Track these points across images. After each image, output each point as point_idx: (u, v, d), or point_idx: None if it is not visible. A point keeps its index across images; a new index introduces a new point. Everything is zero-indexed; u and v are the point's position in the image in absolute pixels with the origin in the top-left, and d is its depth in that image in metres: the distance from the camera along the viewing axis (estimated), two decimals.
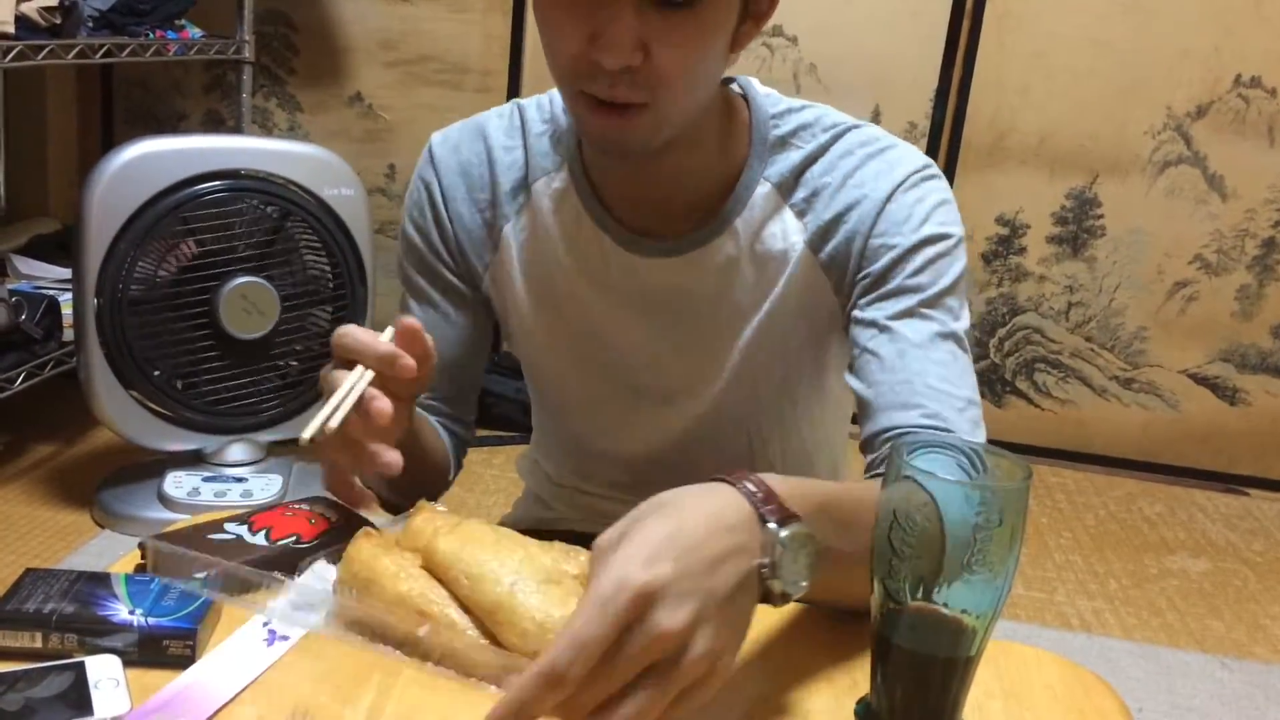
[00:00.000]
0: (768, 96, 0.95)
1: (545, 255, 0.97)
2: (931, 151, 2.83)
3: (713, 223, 0.93)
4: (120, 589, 0.69)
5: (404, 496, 0.93)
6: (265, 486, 2.14)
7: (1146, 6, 2.70)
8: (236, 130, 2.65)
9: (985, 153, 2.84)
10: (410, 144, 2.97)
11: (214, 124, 3.07)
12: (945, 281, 0.89)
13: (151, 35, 2.34)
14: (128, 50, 2.24)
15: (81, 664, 0.64)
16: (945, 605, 0.65)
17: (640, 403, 1.00)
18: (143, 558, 0.77)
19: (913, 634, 0.66)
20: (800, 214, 0.92)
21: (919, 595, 0.65)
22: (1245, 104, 2.75)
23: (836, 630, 0.80)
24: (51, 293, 2.30)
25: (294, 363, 2.15)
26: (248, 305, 2.03)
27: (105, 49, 2.16)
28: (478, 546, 0.71)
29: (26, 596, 0.68)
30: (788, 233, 0.93)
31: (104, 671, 0.64)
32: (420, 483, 0.95)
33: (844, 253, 0.91)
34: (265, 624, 0.69)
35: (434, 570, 0.71)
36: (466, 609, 0.69)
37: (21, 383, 2.12)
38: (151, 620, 0.66)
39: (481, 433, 2.73)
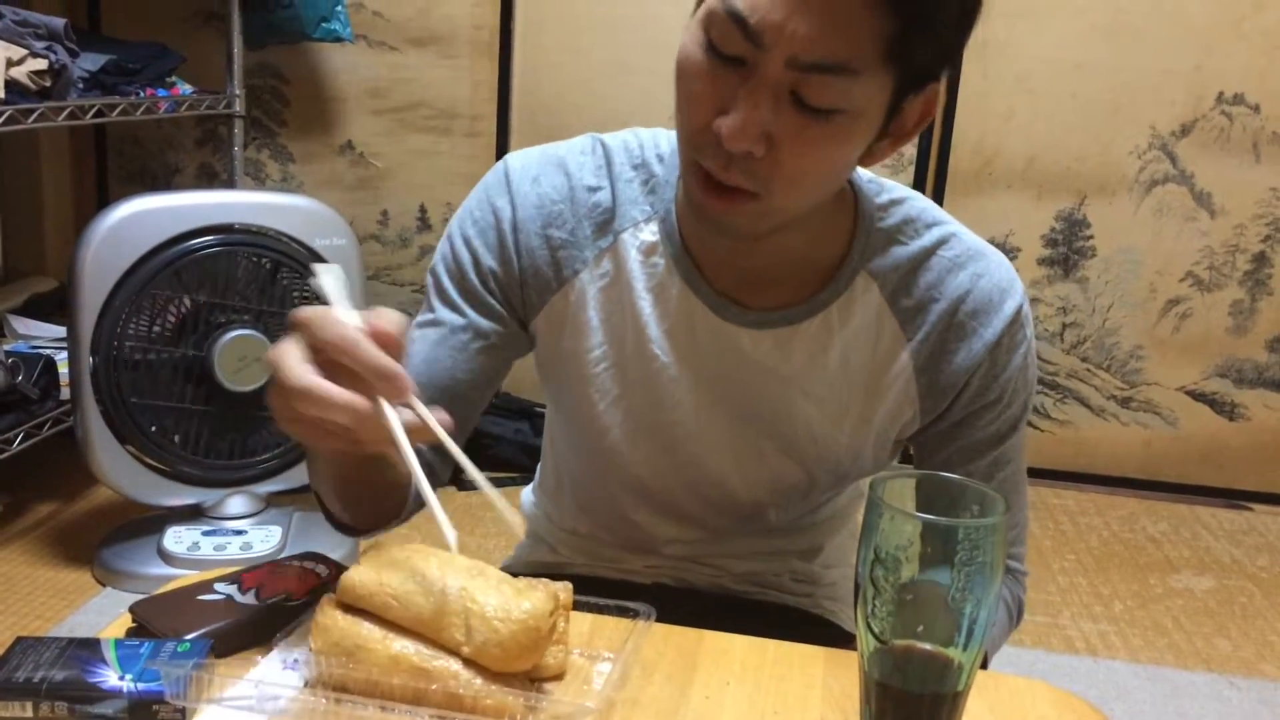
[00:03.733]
0: (870, 182, 0.94)
1: (623, 306, 0.94)
2: (919, 178, 2.85)
3: (807, 304, 0.91)
4: (110, 654, 0.69)
5: (355, 518, 0.92)
6: (265, 538, 2.14)
7: (1127, 28, 2.73)
8: (230, 183, 2.68)
9: (972, 178, 2.86)
10: (401, 190, 3.00)
11: (207, 177, 3.10)
12: (1023, 430, 0.97)
13: (142, 94, 2.37)
14: (118, 110, 2.26)
15: None
16: (930, 641, 0.65)
17: (678, 469, 0.99)
18: (134, 622, 0.78)
19: (899, 672, 0.66)
20: (904, 324, 0.92)
21: (903, 632, 0.65)
22: (1229, 121, 2.77)
23: (829, 668, 0.80)
24: (48, 352, 2.31)
25: None
26: (242, 358, 2.04)
27: (96, 109, 2.19)
28: (392, 568, 0.71)
29: (17, 665, 0.68)
30: (887, 337, 0.92)
31: None
32: (376, 513, 0.92)
33: (947, 385, 0.92)
34: (256, 684, 0.70)
35: (356, 603, 0.70)
36: (458, 656, 0.69)
37: (20, 443, 2.12)
38: (141, 686, 0.66)
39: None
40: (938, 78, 0.81)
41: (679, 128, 0.83)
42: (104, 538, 2.26)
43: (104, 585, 2.15)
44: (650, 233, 0.93)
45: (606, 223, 0.94)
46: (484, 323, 0.96)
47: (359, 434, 0.68)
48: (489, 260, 0.95)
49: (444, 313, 0.96)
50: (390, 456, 0.78)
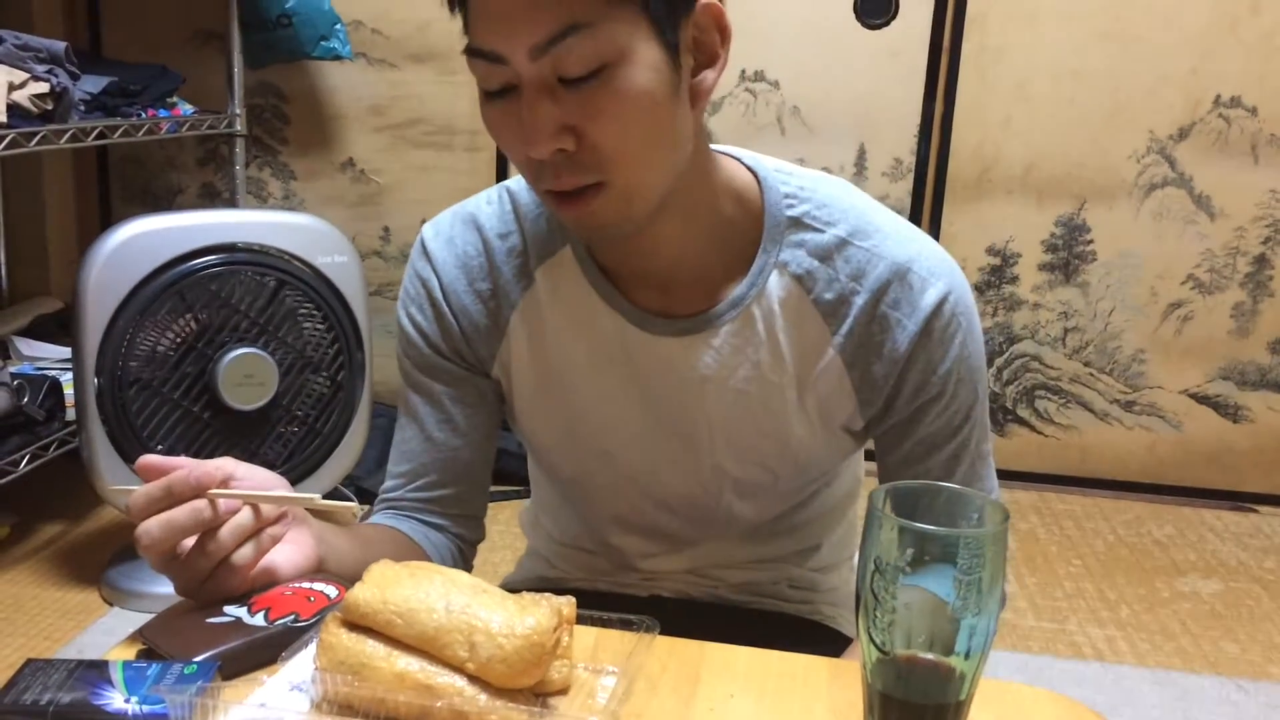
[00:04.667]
0: (777, 172, 0.92)
1: (553, 337, 0.95)
2: (918, 187, 2.86)
3: (726, 304, 0.91)
4: (117, 676, 0.70)
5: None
6: None
7: (1123, 33, 2.74)
8: (232, 202, 2.69)
9: (972, 185, 2.87)
10: (403, 205, 3.01)
11: (210, 196, 3.11)
12: (981, 417, 0.94)
13: (143, 115, 2.38)
14: (120, 131, 2.27)
15: None
16: (932, 651, 0.65)
17: (640, 491, 1.00)
18: (142, 644, 0.78)
19: (901, 682, 0.66)
20: (827, 318, 0.91)
21: (905, 643, 0.65)
22: (1227, 124, 2.77)
23: (832, 679, 0.81)
24: (53, 373, 2.32)
25: (294, 429, 2.17)
26: (246, 376, 2.05)
27: (98, 131, 2.20)
28: (396, 586, 0.71)
29: (25, 688, 0.69)
30: (811, 331, 0.91)
31: None
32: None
33: (880, 379, 0.91)
34: (260, 706, 0.70)
35: (360, 621, 0.71)
36: (462, 672, 0.70)
37: (26, 465, 2.13)
38: (146, 708, 0.67)
39: None
40: None
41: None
42: (111, 558, 2.26)
43: (111, 605, 2.15)
44: (566, 262, 0.94)
45: (523, 265, 0.95)
46: (454, 390, 0.99)
47: (218, 548, 0.78)
48: (433, 330, 0.98)
49: (416, 396, 1.00)
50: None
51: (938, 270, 0.90)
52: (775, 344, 0.92)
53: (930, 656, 0.65)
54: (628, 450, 0.98)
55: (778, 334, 0.91)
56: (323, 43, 2.74)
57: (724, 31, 0.83)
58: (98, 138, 2.21)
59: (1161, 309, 2.89)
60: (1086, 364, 2.95)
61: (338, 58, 2.78)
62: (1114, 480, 2.99)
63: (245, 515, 0.80)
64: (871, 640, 0.66)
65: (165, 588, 2.25)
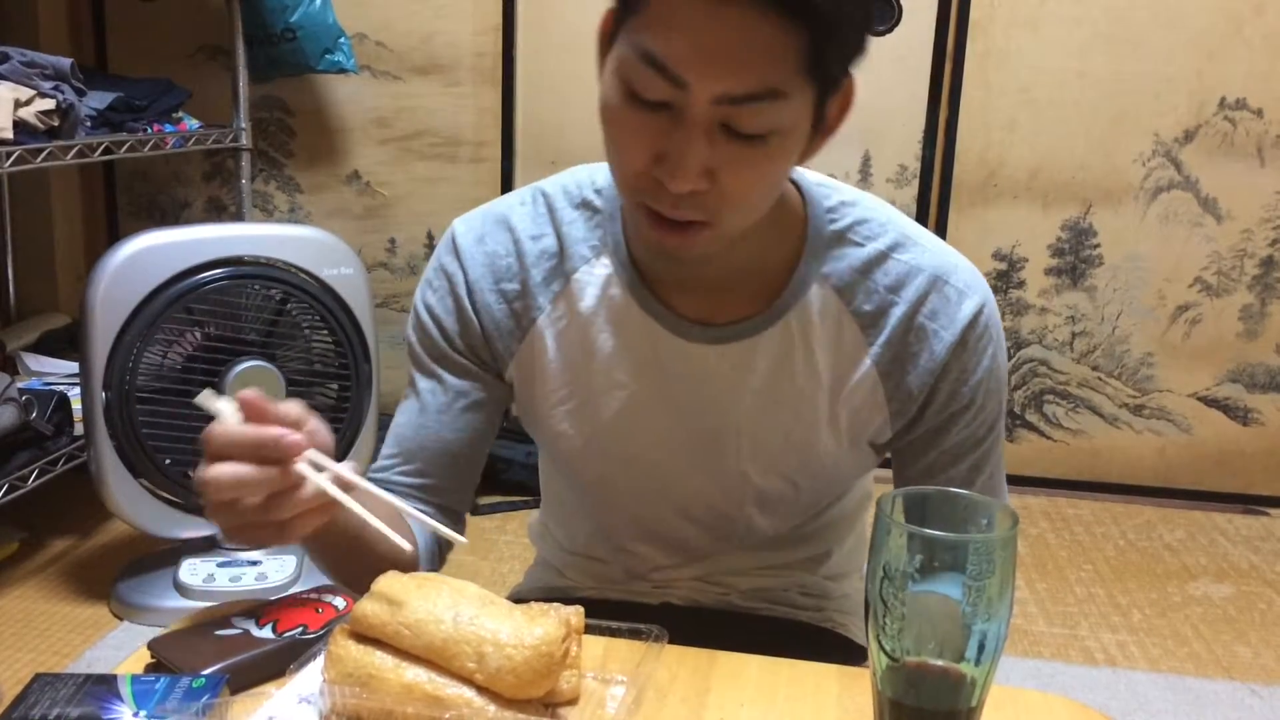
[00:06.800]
0: (819, 186, 0.94)
1: (585, 342, 0.95)
2: (923, 193, 2.85)
3: (766, 313, 0.92)
4: (126, 690, 0.70)
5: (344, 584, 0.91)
6: (279, 568, 2.14)
7: (1127, 36, 2.74)
8: (238, 215, 2.70)
9: (977, 190, 2.87)
10: (409, 217, 3.02)
11: (216, 210, 3.12)
12: (1001, 428, 0.96)
13: (149, 130, 2.39)
14: (126, 146, 2.28)
15: None
16: (942, 658, 0.65)
17: (662, 497, 1.00)
18: (152, 658, 0.78)
19: (912, 689, 0.66)
20: (864, 328, 0.92)
21: (915, 650, 0.65)
22: (1232, 126, 2.77)
23: (843, 687, 0.80)
24: (61, 388, 2.33)
25: None
26: (258, 389, 2.05)
27: (104, 147, 2.21)
28: (404, 597, 0.71)
29: (34, 703, 0.69)
30: (848, 342, 0.92)
31: None
32: (358, 577, 0.83)
33: (914, 390, 0.92)
34: (269, 718, 0.70)
35: (369, 633, 0.71)
36: (471, 683, 0.69)
37: (35, 480, 2.13)
38: None
39: (493, 499, 2.73)
40: (850, 74, 0.82)
41: (614, 173, 0.84)
42: (120, 572, 2.26)
43: (121, 619, 2.15)
44: (603, 266, 0.94)
45: (556, 267, 0.96)
46: (461, 383, 0.99)
47: (278, 513, 0.74)
48: (451, 324, 0.98)
49: (422, 381, 1.00)
50: (369, 535, 0.83)
51: (973, 283, 0.93)
52: (811, 354, 0.92)
53: (940, 663, 0.65)
54: (653, 455, 0.97)
55: (814, 345, 0.92)
56: (327, 56, 2.75)
57: (846, 109, 0.84)
58: (104, 153, 2.21)
59: (1169, 312, 2.89)
60: (1095, 368, 2.94)
61: (342, 71, 2.79)
62: (1124, 484, 2.98)
63: (311, 488, 0.75)
64: (881, 647, 0.66)
65: (174, 601, 2.25)
